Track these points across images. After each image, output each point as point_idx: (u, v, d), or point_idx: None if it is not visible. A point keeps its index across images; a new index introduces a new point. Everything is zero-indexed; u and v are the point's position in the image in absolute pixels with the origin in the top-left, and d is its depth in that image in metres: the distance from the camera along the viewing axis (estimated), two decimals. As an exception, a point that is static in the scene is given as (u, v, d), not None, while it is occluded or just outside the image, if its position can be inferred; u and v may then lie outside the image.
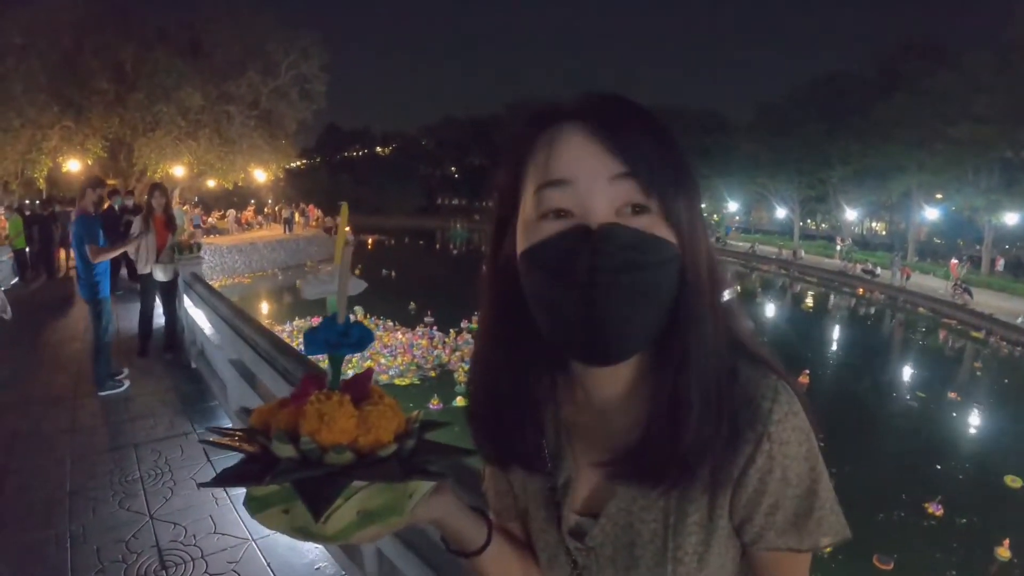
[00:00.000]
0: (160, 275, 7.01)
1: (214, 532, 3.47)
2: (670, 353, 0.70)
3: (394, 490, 0.64)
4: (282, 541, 3.37)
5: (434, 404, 10.78)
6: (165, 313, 7.37)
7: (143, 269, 6.94)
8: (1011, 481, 9.46)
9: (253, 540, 3.39)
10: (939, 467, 10.36)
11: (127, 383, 6.01)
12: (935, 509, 8.50)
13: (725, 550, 0.74)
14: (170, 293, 7.28)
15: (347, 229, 0.76)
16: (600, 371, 0.73)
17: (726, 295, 0.74)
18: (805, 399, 0.73)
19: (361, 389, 0.65)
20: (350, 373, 0.67)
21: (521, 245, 0.70)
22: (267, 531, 3.42)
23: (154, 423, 5.13)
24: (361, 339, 0.68)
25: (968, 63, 26.93)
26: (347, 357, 0.71)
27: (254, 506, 0.62)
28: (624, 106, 0.68)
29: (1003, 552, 7.60)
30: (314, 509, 0.55)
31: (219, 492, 3.87)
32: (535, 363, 0.77)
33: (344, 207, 0.79)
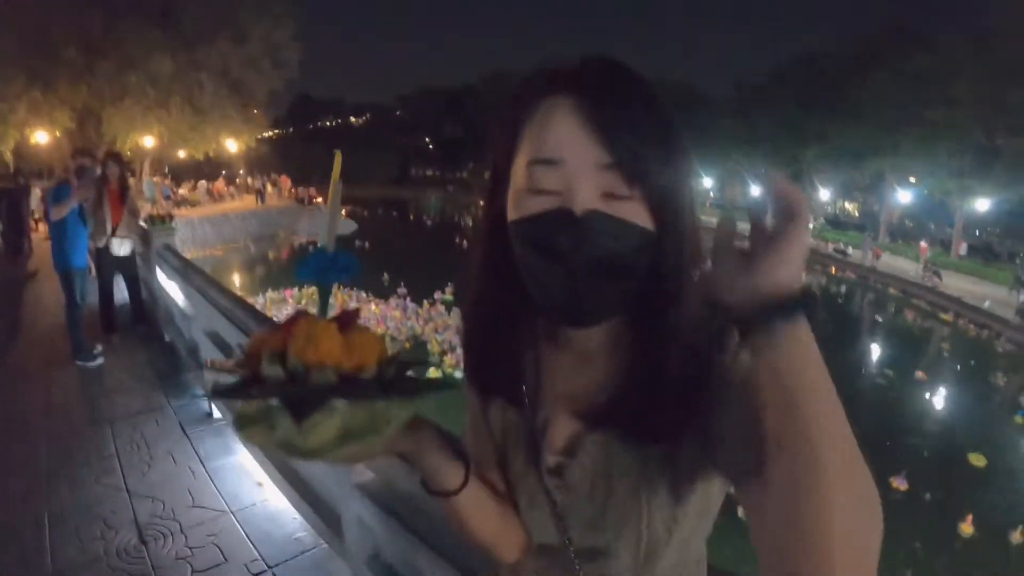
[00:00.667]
0: (117, 249, 6.69)
1: (192, 505, 3.46)
2: (651, 317, 0.74)
3: (373, 411, 0.67)
4: (260, 512, 3.38)
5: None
6: (128, 288, 7.08)
7: (98, 243, 6.62)
8: (975, 459, 9.73)
9: (231, 512, 3.39)
10: (905, 444, 10.58)
11: (101, 359, 5.94)
12: (900, 483, 8.70)
13: (701, 486, 0.77)
14: (130, 268, 7.00)
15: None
16: None
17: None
18: None
19: (348, 320, 0.69)
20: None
21: (511, 213, 0.73)
22: (245, 503, 3.44)
23: (129, 398, 5.06)
24: (348, 266, 0.77)
25: (945, 47, 27.18)
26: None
27: (242, 423, 0.65)
28: (622, 82, 0.70)
29: (966, 528, 7.80)
30: (296, 415, 0.61)
31: (197, 466, 3.85)
32: (519, 305, 0.80)
33: (337, 155, 0.85)
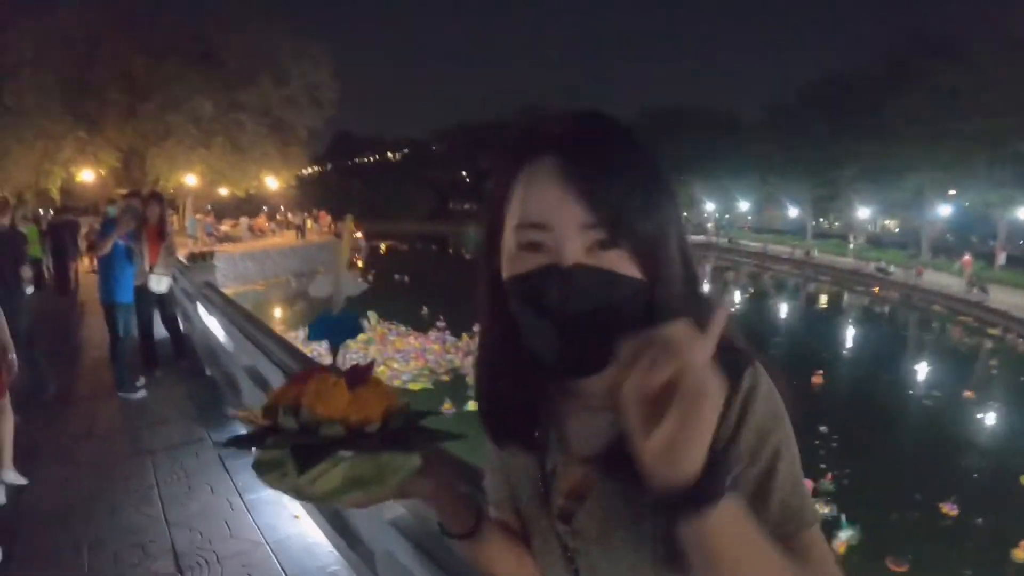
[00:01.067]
0: (154, 286, 6.85)
1: (230, 536, 3.52)
2: None
3: (378, 462, 0.72)
4: (296, 545, 3.42)
5: (447, 408, 10.72)
6: (165, 323, 7.27)
7: (136, 281, 6.71)
8: (1028, 481, 9.36)
9: (267, 543, 3.44)
10: (953, 467, 10.26)
11: (144, 392, 6.11)
12: (950, 509, 8.42)
13: None
14: (168, 304, 7.22)
15: (356, 235, 0.87)
16: None
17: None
18: (780, 381, 0.74)
19: (359, 376, 0.75)
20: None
21: (505, 272, 0.76)
22: (281, 535, 3.49)
23: (170, 430, 5.19)
24: (354, 328, 0.83)
25: (978, 58, 26.80)
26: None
27: (260, 469, 0.72)
28: (602, 138, 0.72)
29: (1019, 554, 7.48)
30: (300, 466, 0.66)
31: (235, 498, 3.92)
32: (525, 358, 0.81)
33: (349, 218, 0.92)
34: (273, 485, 0.72)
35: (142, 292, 6.81)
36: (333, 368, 0.77)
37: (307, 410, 0.69)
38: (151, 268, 6.80)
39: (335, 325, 0.81)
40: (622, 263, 0.70)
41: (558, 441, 0.86)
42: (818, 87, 39.80)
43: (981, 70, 26.07)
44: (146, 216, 6.82)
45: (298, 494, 0.71)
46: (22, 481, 4.14)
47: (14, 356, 4.08)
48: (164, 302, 7.17)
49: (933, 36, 34.05)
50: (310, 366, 4.04)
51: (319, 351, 13.28)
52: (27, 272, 6.31)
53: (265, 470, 0.72)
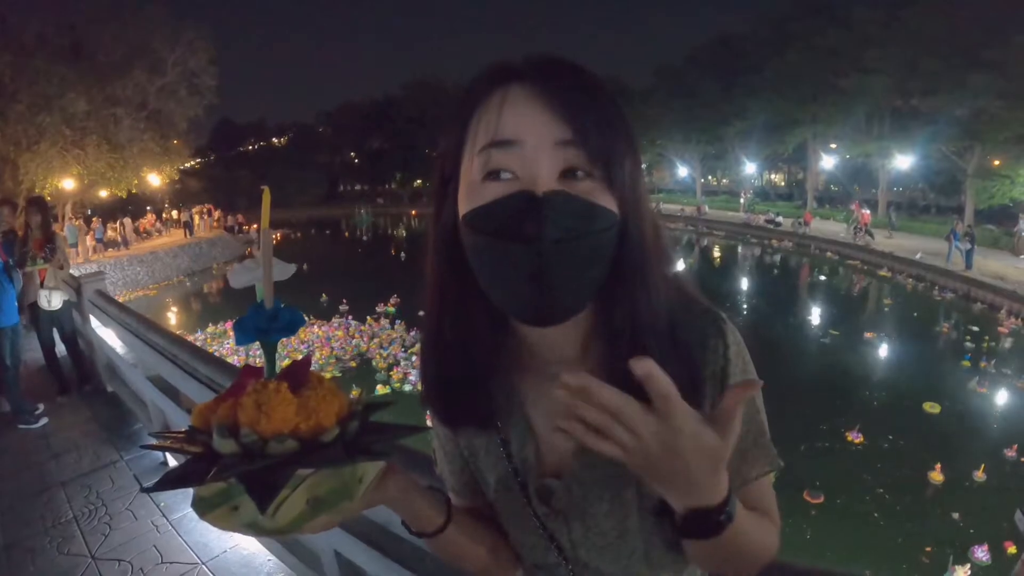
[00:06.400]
0: (45, 303, 6.15)
1: (161, 562, 3.32)
2: (620, 310, 0.72)
3: (342, 475, 0.64)
4: (233, 559, 3.28)
5: (355, 395, 10.53)
6: (65, 346, 6.52)
7: (29, 299, 6.09)
8: (930, 407, 10.06)
9: (203, 563, 3.27)
10: (855, 399, 10.90)
11: (45, 419, 5.59)
12: (855, 437, 9.02)
13: None
14: (65, 322, 6.42)
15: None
16: (546, 333, 0.74)
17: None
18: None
19: (299, 376, 0.64)
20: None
21: (464, 207, 0.70)
22: (216, 551, 3.35)
23: (78, 457, 4.82)
24: (291, 322, 0.69)
25: (857, 19, 28.42)
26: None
27: (202, 507, 0.60)
28: (575, 70, 0.69)
29: (935, 476, 7.92)
30: (261, 501, 0.54)
31: (160, 519, 3.71)
32: (480, 325, 0.77)
33: (265, 191, 0.75)
34: (221, 524, 0.60)
35: (36, 311, 6.18)
36: (267, 372, 0.65)
37: (249, 427, 0.57)
38: (42, 283, 6.10)
39: (268, 322, 0.67)
40: (597, 195, 0.66)
41: (521, 416, 0.82)
42: (706, 50, 41.20)
43: (860, 32, 27.59)
44: (28, 224, 6.20)
45: (255, 530, 0.60)
46: None
47: None
48: (60, 320, 6.35)
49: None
50: (208, 357, 3.81)
51: (220, 351, 12.73)
52: None
53: (209, 507, 0.60)
